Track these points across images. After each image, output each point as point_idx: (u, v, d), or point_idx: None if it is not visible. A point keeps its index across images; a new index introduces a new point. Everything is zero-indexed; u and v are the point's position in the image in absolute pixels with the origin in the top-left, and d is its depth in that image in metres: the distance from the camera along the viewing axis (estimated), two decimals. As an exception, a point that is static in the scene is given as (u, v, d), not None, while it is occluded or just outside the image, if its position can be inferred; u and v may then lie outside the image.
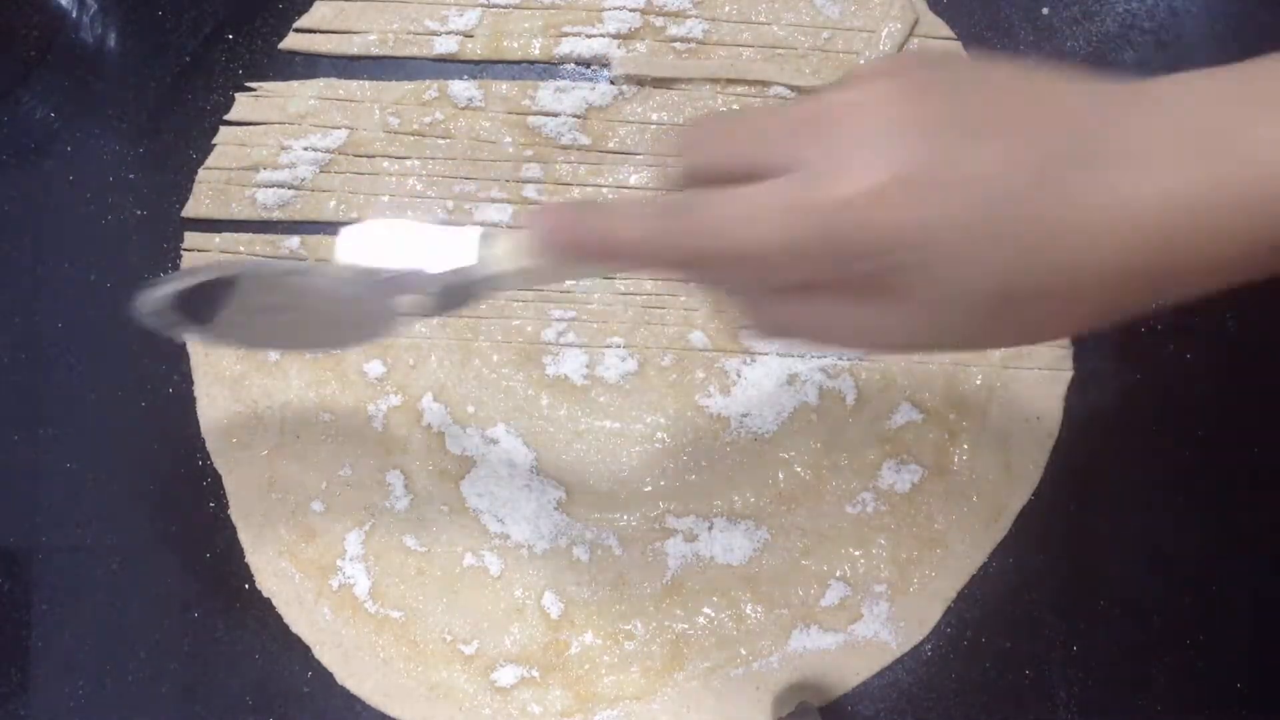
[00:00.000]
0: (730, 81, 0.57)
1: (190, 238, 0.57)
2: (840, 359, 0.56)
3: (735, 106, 0.57)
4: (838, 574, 0.55)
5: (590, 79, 0.58)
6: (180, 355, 0.57)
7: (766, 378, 0.56)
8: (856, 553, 0.55)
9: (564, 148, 0.57)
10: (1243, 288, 0.57)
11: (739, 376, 0.56)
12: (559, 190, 0.57)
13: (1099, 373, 0.56)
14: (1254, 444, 0.55)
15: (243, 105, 0.58)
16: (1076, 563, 0.55)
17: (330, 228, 0.57)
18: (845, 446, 0.56)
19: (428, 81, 0.58)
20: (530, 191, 0.57)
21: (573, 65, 0.58)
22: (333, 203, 0.57)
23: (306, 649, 0.55)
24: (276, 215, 0.57)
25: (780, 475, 0.56)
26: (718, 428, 0.56)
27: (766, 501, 0.56)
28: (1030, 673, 0.54)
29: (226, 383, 0.57)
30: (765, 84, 0.57)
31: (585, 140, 0.57)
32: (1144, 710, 0.54)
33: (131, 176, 0.58)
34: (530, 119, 0.57)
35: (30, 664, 0.55)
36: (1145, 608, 0.54)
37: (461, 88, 0.57)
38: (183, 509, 0.56)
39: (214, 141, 0.58)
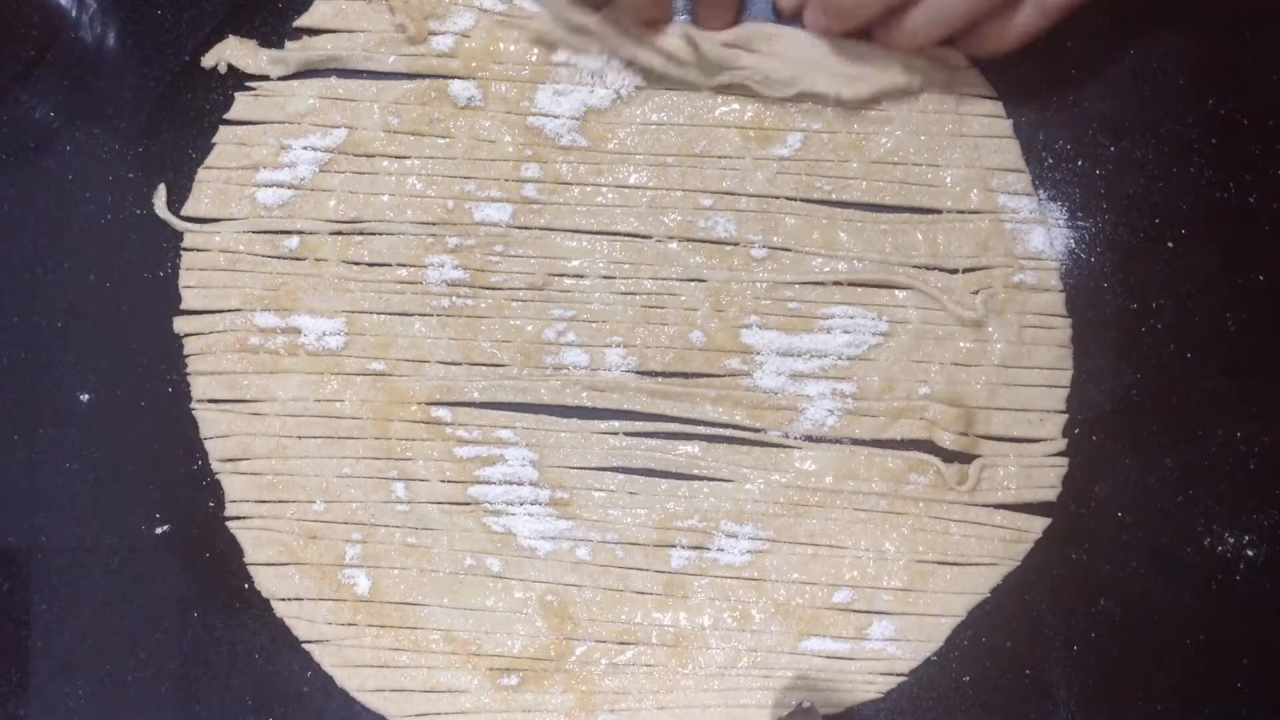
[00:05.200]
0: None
1: (190, 237, 0.57)
2: (840, 359, 0.56)
3: (734, 107, 0.57)
4: (845, 579, 0.55)
5: (589, 82, 0.58)
6: (179, 355, 0.57)
7: (772, 379, 0.56)
8: (865, 561, 0.55)
9: (563, 149, 0.57)
10: (1243, 287, 0.58)
11: (747, 378, 0.56)
12: (559, 189, 0.57)
13: (1099, 373, 0.56)
14: (1253, 444, 0.55)
15: (242, 105, 0.58)
16: (1076, 563, 0.55)
17: (330, 227, 0.57)
18: (853, 451, 0.56)
19: (428, 81, 0.58)
20: (530, 191, 0.57)
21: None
22: (333, 202, 0.57)
23: (306, 649, 0.55)
24: (276, 215, 0.57)
25: (787, 479, 0.56)
26: (724, 430, 0.56)
27: (772, 505, 0.56)
28: (1030, 673, 0.54)
29: (226, 383, 0.56)
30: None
31: (584, 142, 0.57)
32: (1144, 710, 0.54)
33: (131, 176, 0.58)
34: (529, 119, 0.57)
35: (30, 664, 0.55)
36: (1145, 608, 0.54)
37: (461, 87, 0.57)
38: (182, 509, 0.56)
39: (214, 141, 0.58)
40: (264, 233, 0.57)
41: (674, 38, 0.55)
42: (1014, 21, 0.52)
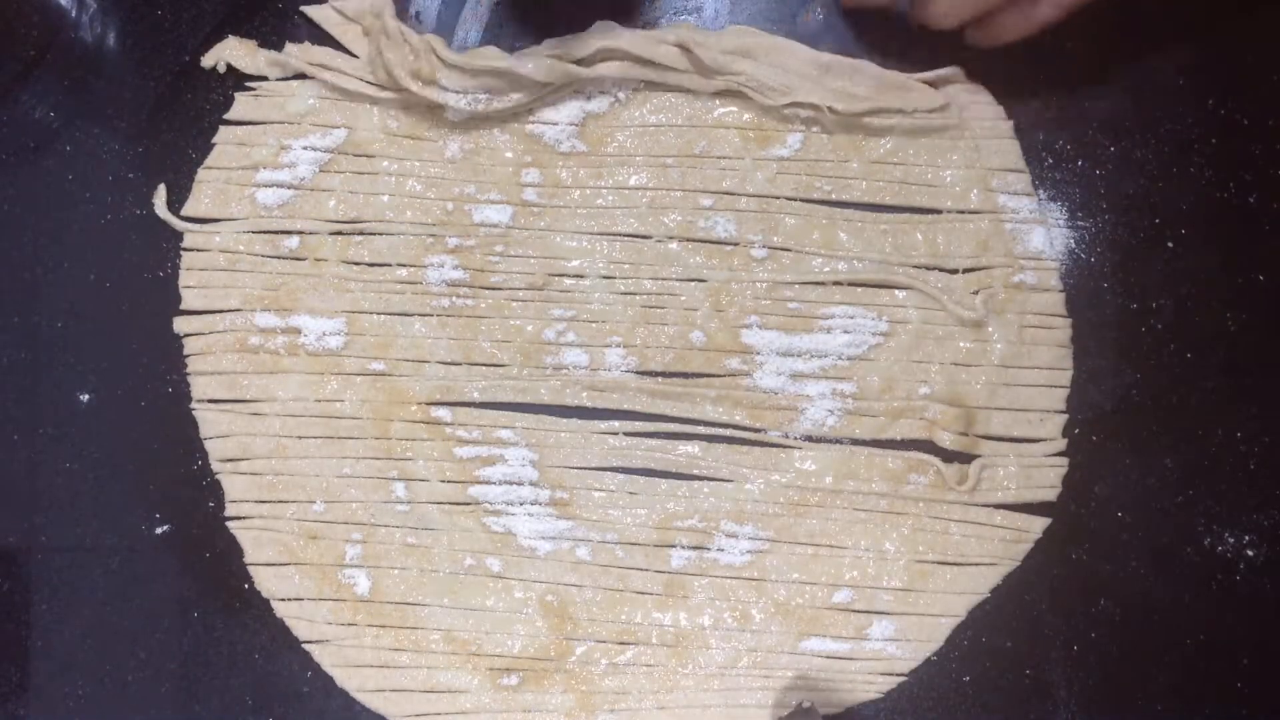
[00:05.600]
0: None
1: (190, 237, 0.57)
2: (840, 359, 0.56)
3: (733, 109, 0.57)
4: (845, 579, 0.55)
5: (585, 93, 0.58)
6: (179, 355, 0.57)
7: (772, 379, 0.56)
8: (865, 561, 0.55)
9: (563, 154, 0.57)
10: (1243, 287, 0.58)
11: (747, 378, 0.56)
12: (559, 193, 0.57)
13: (1099, 372, 0.56)
14: (1253, 444, 0.55)
15: (242, 105, 0.58)
16: (1076, 563, 0.55)
17: (330, 227, 0.57)
18: (853, 451, 0.56)
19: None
20: (530, 195, 0.57)
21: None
22: (332, 202, 0.57)
23: (306, 649, 0.55)
24: (276, 214, 0.57)
25: (787, 479, 0.56)
26: (724, 430, 0.56)
27: (772, 505, 0.56)
28: (1030, 673, 0.54)
29: (225, 383, 0.56)
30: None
31: (583, 147, 0.57)
32: (1144, 710, 0.54)
33: (131, 176, 0.58)
34: (529, 126, 0.57)
35: (30, 664, 0.55)
36: (1145, 608, 0.54)
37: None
38: (182, 509, 0.56)
39: (214, 141, 0.58)
40: (264, 233, 0.57)
41: (668, 45, 0.55)
42: (1030, 12, 0.52)
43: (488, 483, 0.56)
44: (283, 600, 0.55)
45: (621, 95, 0.57)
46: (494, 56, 0.54)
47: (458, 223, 0.57)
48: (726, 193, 0.57)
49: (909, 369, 0.56)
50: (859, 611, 0.55)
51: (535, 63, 0.54)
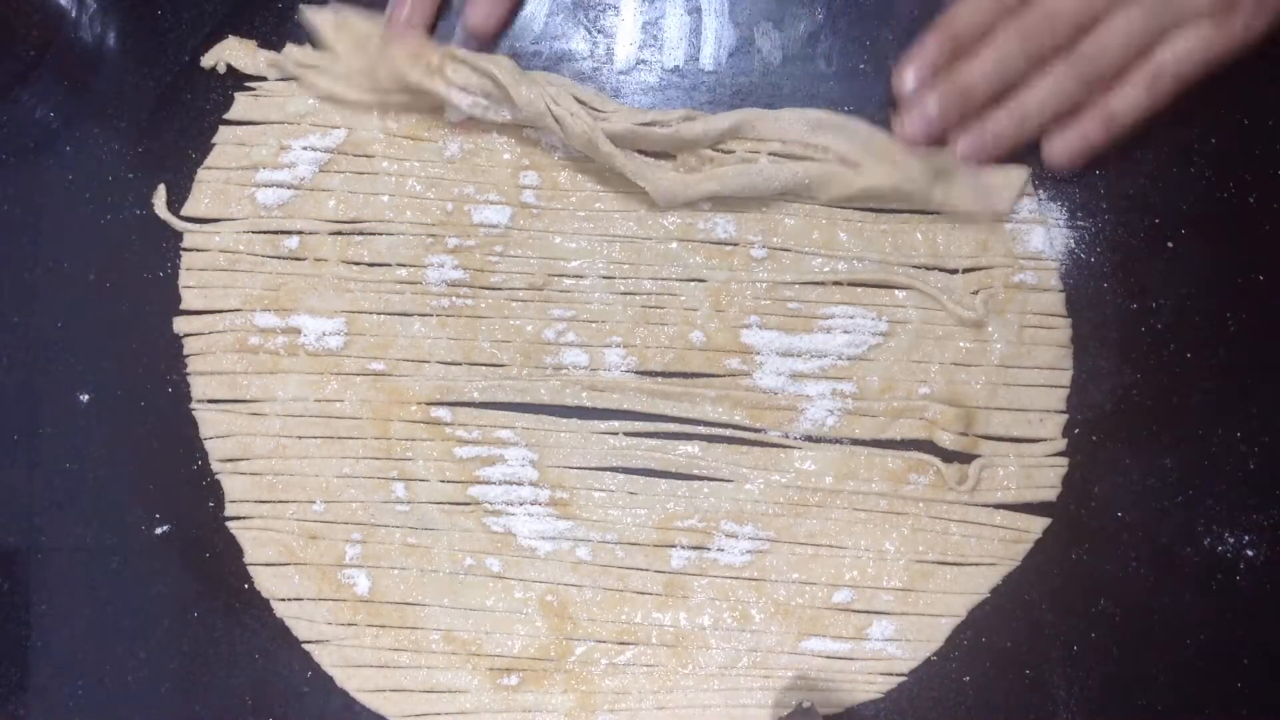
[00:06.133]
0: None
1: (190, 237, 0.57)
2: (840, 359, 0.56)
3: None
4: (845, 579, 0.55)
5: None
6: (179, 355, 0.57)
7: (772, 379, 0.56)
8: (865, 561, 0.55)
9: (560, 160, 0.57)
10: (1243, 287, 0.58)
11: (747, 378, 0.56)
12: (557, 195, 0.57)
13: (1099, 373, 0.56)
14: (1253, 444, 0.55)
15: (242, 105, 0.58)
16: (1076, 563, 0.55)
17: (330, 227, 0.57)
18: (853, 451, 0.56)
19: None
20: (529, 197, 0.57)
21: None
22: (332, 202, 0.57)
23: (306, 649, 0.55)
24: (276, 215, 0.57)
25: (787, 479, 0.56)
26: (724, 430, 0.56)
27: (772, 505, 0.56)
28: (1030, 673, 0.54)
29: (225, 383, 0.57)
30: None
31: (577, 154, 0.57)
32: (1144, 710, 0.54)
33: (131, 176, 0.58)
34: (526, 130, 0.57)
35: (30, 664, 0.55)
36: (1145, 608, 0.54)
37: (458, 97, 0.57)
38: (182, 509, 0.56)
39: (214, 141, 0.58)
40: (264, 233, 0.57)
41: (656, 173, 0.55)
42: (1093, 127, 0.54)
43: (488, 483, 0.56)
44: (283, 600, 0.55)
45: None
46: (504, 66, 0.54)
47: (457, 223, 0.57)
48: (726, 193, 0.57)
49: (909, 369, 0.56)
50: (859, 611, 0.55)
51: (530, 91, 0.53)
